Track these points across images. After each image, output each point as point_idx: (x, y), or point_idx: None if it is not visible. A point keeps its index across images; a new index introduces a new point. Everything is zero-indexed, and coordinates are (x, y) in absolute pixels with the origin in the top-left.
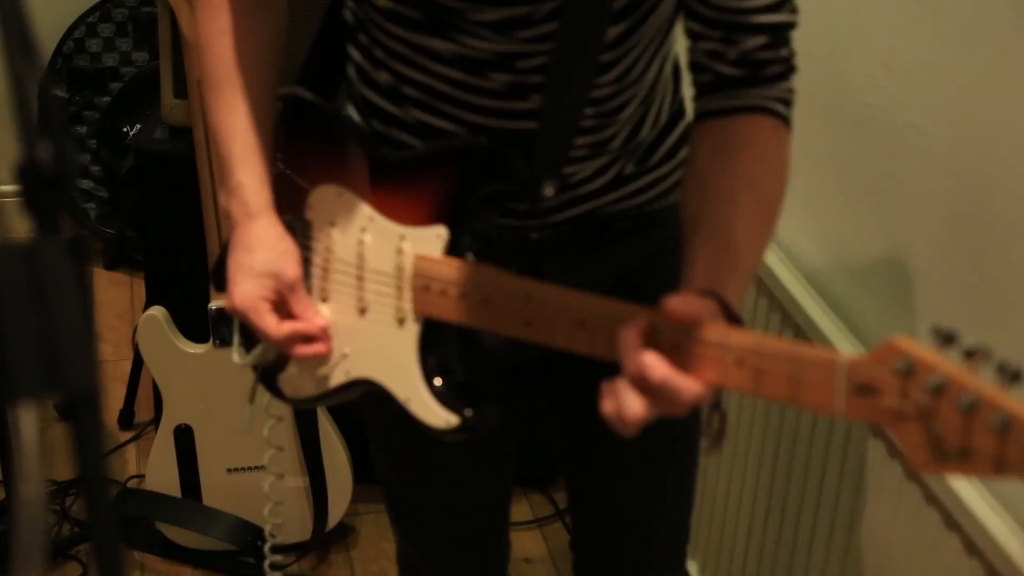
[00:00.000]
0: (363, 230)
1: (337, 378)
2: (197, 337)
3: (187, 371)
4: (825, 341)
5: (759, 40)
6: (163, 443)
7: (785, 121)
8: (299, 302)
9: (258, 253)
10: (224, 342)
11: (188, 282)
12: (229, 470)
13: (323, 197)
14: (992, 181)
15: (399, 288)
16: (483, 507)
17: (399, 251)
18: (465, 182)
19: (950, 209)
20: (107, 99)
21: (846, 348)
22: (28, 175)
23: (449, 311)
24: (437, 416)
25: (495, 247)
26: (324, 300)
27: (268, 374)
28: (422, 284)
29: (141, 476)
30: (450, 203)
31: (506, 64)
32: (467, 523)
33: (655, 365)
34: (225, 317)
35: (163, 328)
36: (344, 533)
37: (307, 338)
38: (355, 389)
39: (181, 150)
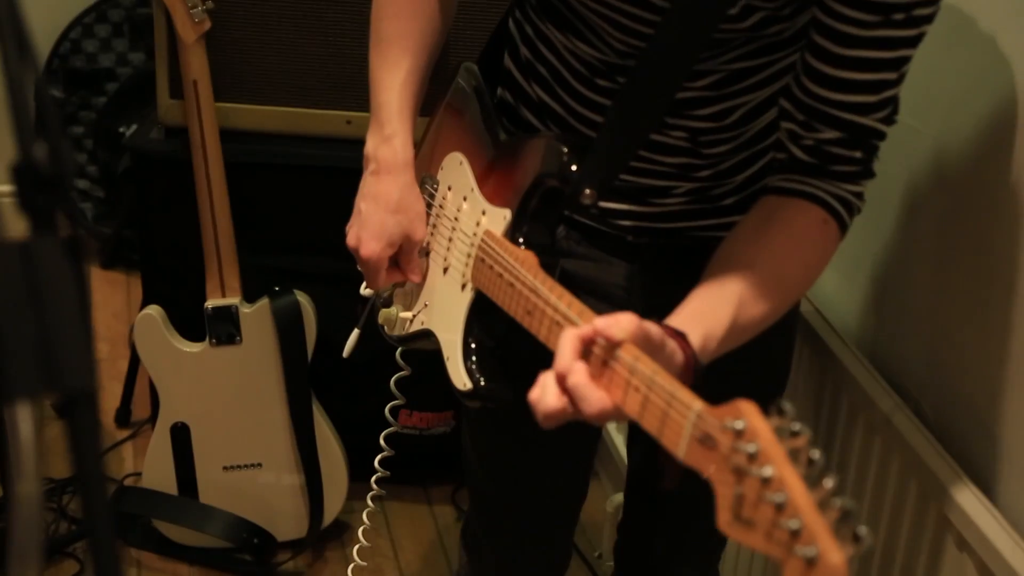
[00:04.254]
0: (464, 199)
1: (415, 325)
2: (193, 336)
3: (183, 369)
4: (817, 341)
5: (835, 134)
6: (160, 441)
7: (838, 219)
8: (410, 260)
9: (398, 216)
10: (220, 340)
11: (184, 281)
12: (225, 468)
13: (451, 161)
14: (984, 180)
15: (469, 256)
16: (555, 503)
17: (477, 223)
18: (533, 171)
19: (943, 209)
20: (103, 99)
21: (838, 348)
22: (25, 175)
23: (490, 285)
24: (459, 377)
25: (556, 242)
26: (427, 253)
27: (375, 308)
28: (480, 256)
29: (138, 474)
30: (520, 190)
31: (609, 74)
32: (535, 514)
33: (575, 371)
34: (221, 316)
35: (159, 327)
36: (340, 530)
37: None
38: (426, 339)
39: (177, 150)
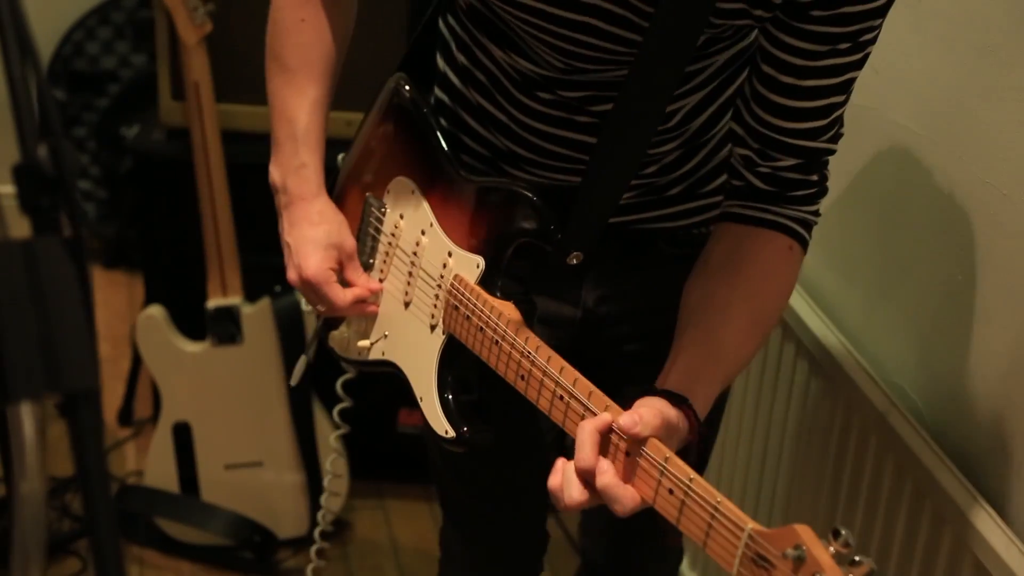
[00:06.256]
0: (423, 232)
1: (374, 354)
2: (195, 335)
3: (185, 369)
4: (814, 340)
5: (791, 161)
6: (162, 440)
7: (802, 242)
8: (354, 270)
9: (322, 226)
10: (221, 340)
11: (186, 281)
12: (227, 466)
13: (400, 187)
14: (980, 181)
15: (437, 297)
16: (522, 497)
17: (444, 264)
18: (509, 226)
19: (938, 208)
20: (106, 101)
21: (834, 347)
22: (29, 176)
23: (467, 336)
24: (439, 423)
25: (529, 289)
26: (381, 280)
27: (324, 328)
28: (453, 303)
29: (140, 472)
30: (494, 240)
31: (549, 87)
32: (504, 510)
33: (603, 471)
34: (222, 315)
35: (161, 326)
36: (340, 528)
37: (362, 301)
38: (387, 368)
39: (179, 151)
